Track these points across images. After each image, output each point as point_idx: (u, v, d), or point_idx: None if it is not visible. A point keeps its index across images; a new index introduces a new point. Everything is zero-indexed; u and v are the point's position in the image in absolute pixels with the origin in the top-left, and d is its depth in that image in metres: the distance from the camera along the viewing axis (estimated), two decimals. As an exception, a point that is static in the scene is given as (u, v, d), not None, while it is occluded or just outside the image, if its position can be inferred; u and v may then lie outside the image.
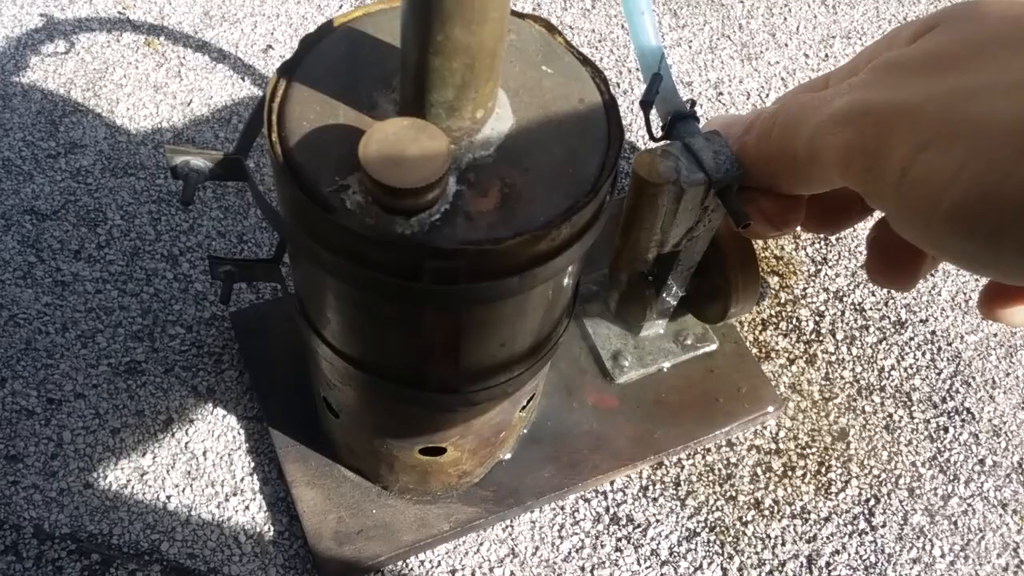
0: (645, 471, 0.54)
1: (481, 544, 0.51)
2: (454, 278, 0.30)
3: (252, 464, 0.52)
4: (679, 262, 0.48)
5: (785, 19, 0.80)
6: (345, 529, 0.48)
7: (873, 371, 0.60)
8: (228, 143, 0.65)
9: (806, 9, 0.81)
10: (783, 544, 0.53)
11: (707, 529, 0.53)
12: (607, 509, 0.53)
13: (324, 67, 0.33)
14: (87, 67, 0.69)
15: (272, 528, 0.50)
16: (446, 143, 0.29)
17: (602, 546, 0.51)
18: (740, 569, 0.51)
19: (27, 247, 0.59)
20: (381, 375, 0.38)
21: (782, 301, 0.62)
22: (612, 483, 0.53)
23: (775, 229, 0.39)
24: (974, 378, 0.60)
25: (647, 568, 0.51)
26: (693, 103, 0.45)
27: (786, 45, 0.78)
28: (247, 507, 0.51)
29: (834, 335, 0.61)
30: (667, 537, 0.52)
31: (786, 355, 0.60)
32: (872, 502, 0.54)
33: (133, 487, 0.51)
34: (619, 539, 0.52)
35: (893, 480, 0.55)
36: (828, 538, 0.53)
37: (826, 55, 0.78)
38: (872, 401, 0.59)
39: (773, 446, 0.56)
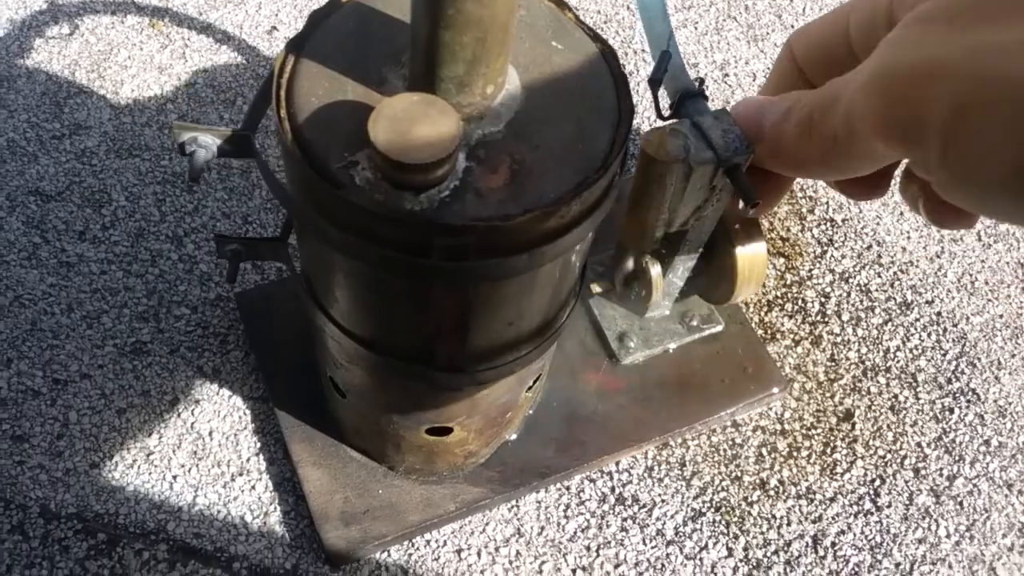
0: (650, 451, 0.54)
1: (487, 524, 0.51)
2: (463, 255, 0.30)
3: (258, 444, 0.52)
4: (686, 242, 0.48)
5: (791, 0, 0.79)
6: (351, 509, 0.48)
7: (879, 352, 0.60)
8: (233, 124, 0.65)
9: (813, -10, 0.80)
10: (788, 524, 0.53)
11: (712, 509, 0.53)
12: (612, 489, 0.53)
13: (333, 42, 0.33)
14: (91, 48, 0.68)
15: (278, 508, 0.50)
16: (456, 119, 0.29)
17: (607, 526, 0.52)
18: (745, 549, 0.52)
19: (32, 228, 0.59)
20: (389, 354, 0.38)
21: (788, 282, 0.62)
22: (617, 463, 0.53)
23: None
24: (979, 359, 0.60)
25: (652, 548, 0.51)
26: (702, 81, 0.44)
27: (792, 26, 0.78)
28: (253, 487, 0.51)
29: (840, 316, 0.61)
30: (672, 517, 0.52)
31: (791, 336, 0.60)
32: (877, 483, 0.55)
33: (139, 467, 0.51)
34: (624, 519, 0.52)
35: (898, 461, 0.56)
36: (833, 518, 0.53)
37: (833, 36, 0.77)
38: (877, 382, 0.59)
39: (778, 427, 0.56)
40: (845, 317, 0.61)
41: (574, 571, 0.50)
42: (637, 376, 0.55)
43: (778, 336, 0.60)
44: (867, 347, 0.60)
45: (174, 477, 0.51)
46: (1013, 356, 0.60)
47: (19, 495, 0.49)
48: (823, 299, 0.62)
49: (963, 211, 0.32)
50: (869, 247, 0.64)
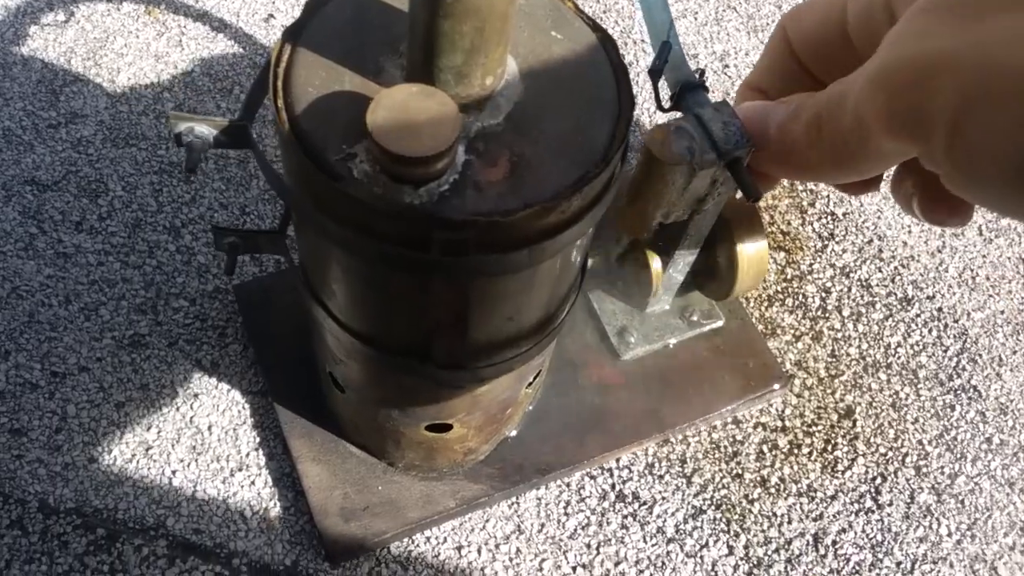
0: (651, 448, 0.54)
1: (487, 521, 0.51)
2: (463, 249, 0.29)
3: (257, 439, 0.52)
4: (687, 237, 0.47)
5: (795, -8, 0.79)
6: (351, 505, 0.48)
7: (879, 348, 0.59)
8: (230, 113, 0.65)
9: (816, -18, 0.80)
10: (789, 522, 0.52)
11: (713, 507, 0.52)
12: (613, 486, 0.52)
13: (330, 31, 0.32)
14: (87, 36, 0.68)
15: (278, 503, 0.50)
16: (455, 110, 0.28)
17: (608, 523, 0.51)
18: (746, 547, 0.51)
19: (28, 218, 0.58)
20: (387, 350, 0.37)
21: (788, 277, 0.62)
22: (618, 460, 0.53)
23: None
24: (981, 355, 0.60)
25: (653, 545, 0.51)
26: (702, 72, 0.44)
27: (796, 19, 0.77)
28: (252, 482, 0.50)
29: (840, 312, 0.61)
30: (673, 514, 0.52)
31: (792, 332, 0.59)
32: (879, 480, 0.54)
33: (138, 462, 0.50)
34: (625, 516, 0.52)
35: (900, 458, 0.55)
36: (834, 516, 0.53)
37: (836, 29, 0.77)
38: (878, 378, 0.58)
39: (779, 423, 0.56)
40: (846, 312, 0.61)
41: (574, 568, 0.50)
42: (637, 371, 0.54)
43: (779, 331, 0.59)
44: (868, 343, 0.60)
45: (173, 472, 0.50)
46: (1015, 352, 0.60)
47: (18, 489, 0.49)
48: (824, 294, 0.61)
49: (958, 208, 0.32)
50: (870, 241, 0.64)
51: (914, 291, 0.62)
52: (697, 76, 0.44)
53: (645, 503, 0.52)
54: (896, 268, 0.63)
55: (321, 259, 0.35)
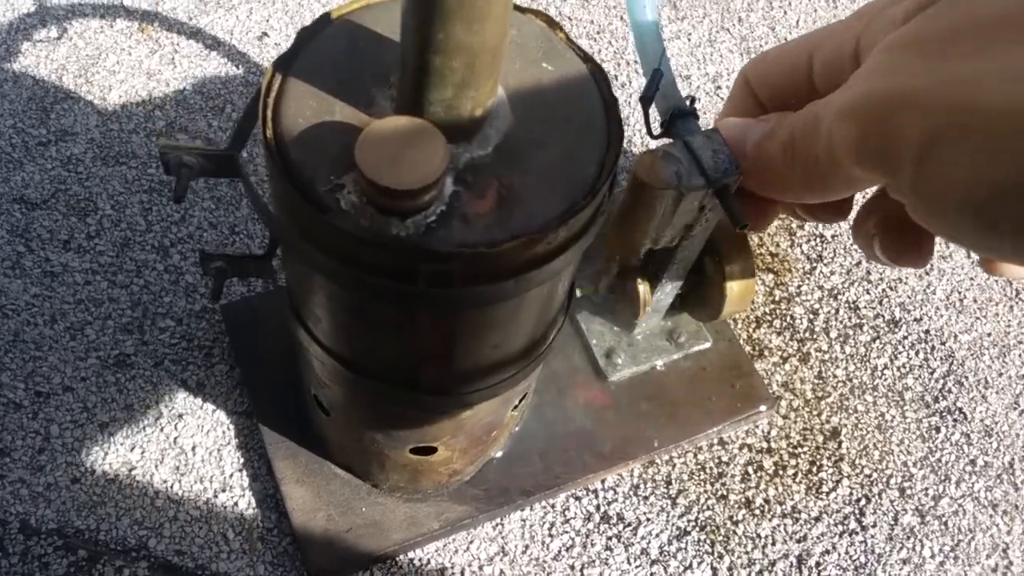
0: (636, 469, 0.54)
1: (471, 542, 0.51)
2: (449, 281, 0.30)
3: (241, 460, 0.52)
4: (675, 261, 0.47)
5: (785, 12, 0.79)
6: (334, 527, 0.48)
7: (866, 370, 0.60)
8: (222, 132, 0.65)
9: (807, 3, 0.80)
10: (773, 544, 0.53)
11: (697, 528, 0.53)
12: (598, 507, 0.52)
13: (321, 61, 0.32)
14: (79, 53, 0.68)
15: (261, 525, 0.50)
16: (444, 144, 0.28)
17: (592, 545, 0.51)
18: (730, 569, 0.51)
19: (16, 237, 0.58)
20: (372, 376, 0.37)
21: (777, 298, 0.62)
22: (603, 481, 0.53)
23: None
24: (967, 378, 0.60)
25: (637, 567, 0.51)
26: (693, 100, 0.44)
27: (786, 39, 0.78)
28: (236, 503, 0.50)
29: (828, 333, 0.61)
30: (657, 536, 0.52)
31: (779, 353, 0.60)
32: (863, 502, 0.55)
33: (121, 482, 0.50)
34: (609, 538, 0.52)
35: (884, 480, 0.56)
36: (818, 538, 0.53)
37: (824, 51, 0.77)
38: (864, 400, 0.59)
39: (765, 445, 0.56)
40: (833, 334, 0.61)
41: (559, 590, 0.50)
42: (624, 393, 0.55)
43: (766, 353, 0.60)
44: (855, 365, 0.60)
45: (156, 493, 0.50)
46: (1000, 375, 0.61)
47: (-2, 509, 0.49)
48: (812, 316, 0.62)
49: (918, 248, 0.33)
50: (858, 263, 0.64)
51: (901, 313, 0.63)
52: (688, 103, 0.44)
53: (630, 524, 0.52)
54: (884, 290, 0.63)
55: (307, 287, 0.35)
